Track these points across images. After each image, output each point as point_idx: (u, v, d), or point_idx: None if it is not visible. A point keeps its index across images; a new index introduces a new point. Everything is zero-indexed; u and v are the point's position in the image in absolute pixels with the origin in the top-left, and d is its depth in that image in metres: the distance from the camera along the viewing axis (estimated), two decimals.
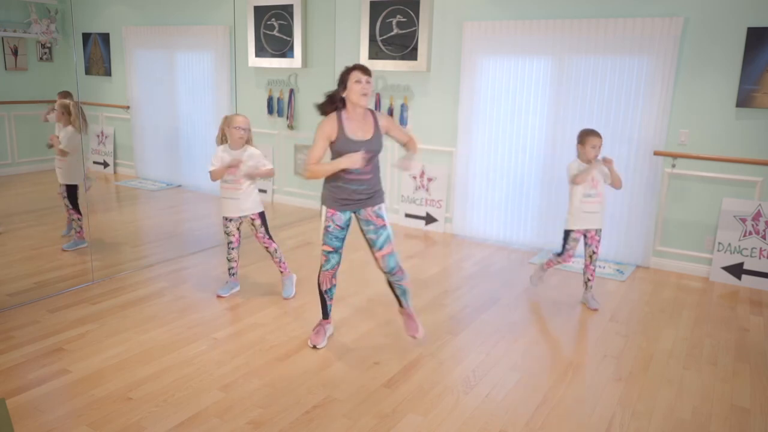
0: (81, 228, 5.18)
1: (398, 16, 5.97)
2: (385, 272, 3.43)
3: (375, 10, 6.07)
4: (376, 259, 3.41)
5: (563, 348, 3.69)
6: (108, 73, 6.90)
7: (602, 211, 4.22)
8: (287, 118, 6.92)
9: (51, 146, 5.05)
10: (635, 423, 2.90)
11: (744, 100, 4.65)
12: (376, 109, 6.30)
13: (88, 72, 6.88)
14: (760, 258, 4.78)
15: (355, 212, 3.38)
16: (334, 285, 3.53)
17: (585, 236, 4.25)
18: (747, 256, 4.82)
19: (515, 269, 5.12)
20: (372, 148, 3.29)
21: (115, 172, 7.17)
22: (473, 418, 2.90)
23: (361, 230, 3.42)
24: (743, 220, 4.80)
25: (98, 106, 6.87)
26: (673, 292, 4.67)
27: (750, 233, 4.79)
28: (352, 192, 3.30)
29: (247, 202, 4.17)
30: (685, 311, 4.30)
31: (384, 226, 3.38)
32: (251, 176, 4.13)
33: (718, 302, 4.50)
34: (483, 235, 5.94)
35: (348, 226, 3.41)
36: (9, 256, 5.00)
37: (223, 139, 4.17)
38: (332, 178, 3.31)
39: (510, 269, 5.12)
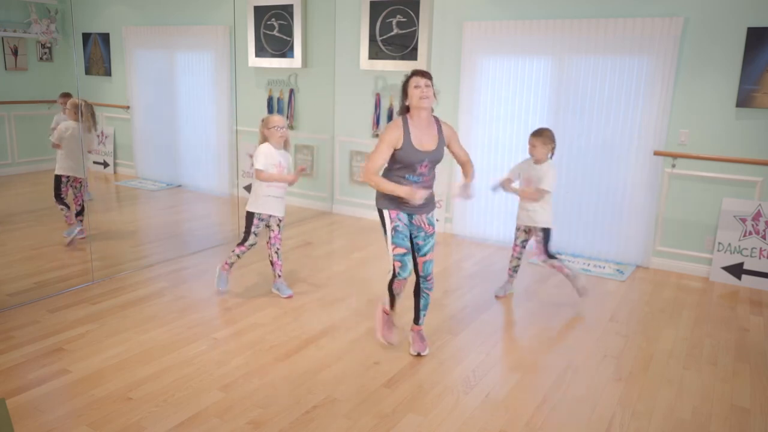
0: (67, 215, 5.30)
1: (398, 16, 5.97)
2: (420, 275, 3.44)
3: (375, 10, 6.07)
4: (416, 263, 3.42)
5: (563, 348, 3.69)
6: (108, 73, 6.90)
7: (536, 211, 4.18)
8: (287, 118, 6.92)
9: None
10: (635, 423, 2.90)
11: (744, 100, 4.65)
12: (376, 109, 6.30)
13: (88, 72, 6.89)
14: (760, 258, 4.78)
15: (409, 216, 3.36)
16: (403, 288, 3.47)
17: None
18: (747, 256, 4.82)
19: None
20: (435, 159, 3.29)
21: (115, 172, 7.17)
22: (473, 418, 2.90)
23: (410, 233, 3.40)
24: (743, 220, 4.80)
25: (98, 106, 6.86)
26: (673, 292, 4.67)
27: (750, 233, 4.79)
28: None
29: (283, 203, 4.27)
30: (685, 311, 4.30)
31: (432, 235, 3.41)
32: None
33: (718, 302, 4.50)
34: (483, 235, 5.94)
35: (411, 229, 3.38)
36: (9, 256, 5.00)
37: (265, 139, 4.16)
38: (392, 182, 3.27)
39: None
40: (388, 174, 3.33)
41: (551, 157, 4.19)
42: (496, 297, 4.44)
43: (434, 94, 3.24)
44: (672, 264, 5.15)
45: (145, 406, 2.90)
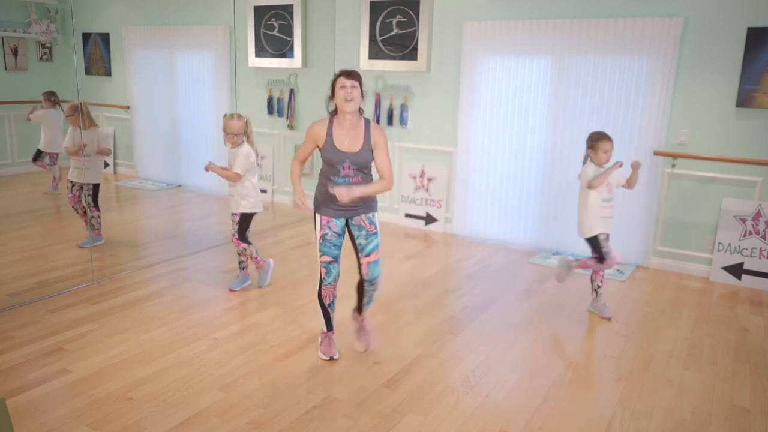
0: (100, 225, 5.29)
1: (398, 16, 5.97)
2: (365, 279, 3.35)
3: (375, 10, 6.07)
4: (360, 264, 3.34)
5: (563, 348, 3.69)
6: (108, 73, 6.90)
7: (615, 216, 4.06)
8: (287, 118, 6.92)
9: (74, 152, 5.13)
10: (635, 423, 2.90)
11: (744, 100, 4.65)
12: (376, 109, 6.30)
13: (88, 72, 6.89)
14: (760, 258, 4.78)
15: (348, 219, 3.31)
16: (336, 296, 3.43)
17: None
18: (747, 256, 4.82)
19: (515, 269, 5.12)
20: (358, 161, 3.19)
21: (115, 172, 7.17)
22: (473, 418, 2.90)
23: (350, 235, 3.35)
24: (743, 220, 4.80)
25: (98, 106, 6.87)
26: (673, 292, 4.67)
27: (750, 233, 4.79)
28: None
29: (235, 200, 4.34)
30: (685, 311, 4.30)
31: (375, 234, 3.32)
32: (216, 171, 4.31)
33: (718, 302, 4.50)
34: (483, 235, 5.94)
35: (344, 233, 3.33)
36: (9, 256, 5.00)
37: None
38: (324, 185, 3.26)
39: (510, 269, 5.12)
40: (321, 175, 3.31)
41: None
42: (607, 318, 4.10)
43: (362, 94, 3.18)
44: (672, 264, 5.15)
45: (145, 406, 2.90)
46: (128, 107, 7.03)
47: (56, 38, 5.54)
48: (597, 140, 3.91)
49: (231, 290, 4.39)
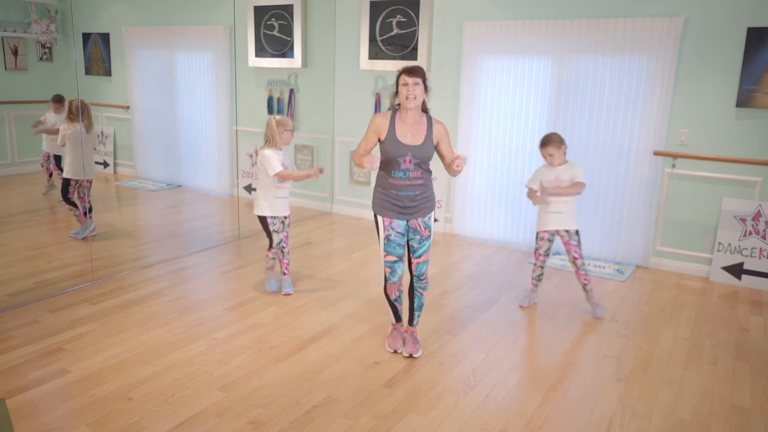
0: (77, 214, 5.37)
1: (398, 16, 5.97)
2: (413, 275, 3.45)
3: (375, 10, 6.07)
4: (410, 263, 3.43)
5: (563, 348, 3.69)
6: (108, 73, 6.90)
7: (569, 212, 4.04)
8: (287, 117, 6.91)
9: (36, 126, 5.24)
10: (635, 423, 2.90)
11: (744, 100, 4.65)
12: (376, 109, 6.30)
13: (88, 72, 6.88)
14: (760, 258, 4.78)
15: (406, 219, 3.34)
16: (401, 291, 3.49)
17: (561, 239, 4.11)
18: (747, 256, 4.82)
19: (515, 269, 5.12)
20: (420, 155, 3.22)
21: (115, 172, 7.17)
22: (473, 418, 2.90)
23: (405, 236, 3.40)
24: (743, 220, 4.80)
25: (98, 106, 6.86)
26: (673, 292, 4.67)
27: (750, 233, 4.79)
28: (405, 199, 3.27)
29: (287, 201, 4.32)
30: (685, 311, 4.30)
31: (429, 237, 3.38)
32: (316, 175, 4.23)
33: (718, 302, 4.50)
34: (483, 235, 5.94)
35: (407, 232, 3.36)
36: (9, 256, 5.00)
37: (271, 140, 4.15)
38: (384, 186, 3.29)
39: (510, 269, 5.12)
40: (381, 173, 3.33)
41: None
42: (521, 307, 4.28)
43: (426, 90, 3.21)
44: (672, 264, 5.15)
45: (145, 406, 2.90)
46: (128, 107, 7.03)
47: (56, 38, 5.54)
48: (542, 142, 4.04)
49: (287, 294, 4.37)
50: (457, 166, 3.19)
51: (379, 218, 3.34)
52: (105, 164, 7.02)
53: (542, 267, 4.24)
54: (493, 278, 4.86)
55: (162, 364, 3.32)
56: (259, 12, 6.76)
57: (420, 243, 3.38)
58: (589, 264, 5.22)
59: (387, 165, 3.27)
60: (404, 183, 3.25)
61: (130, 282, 4.53)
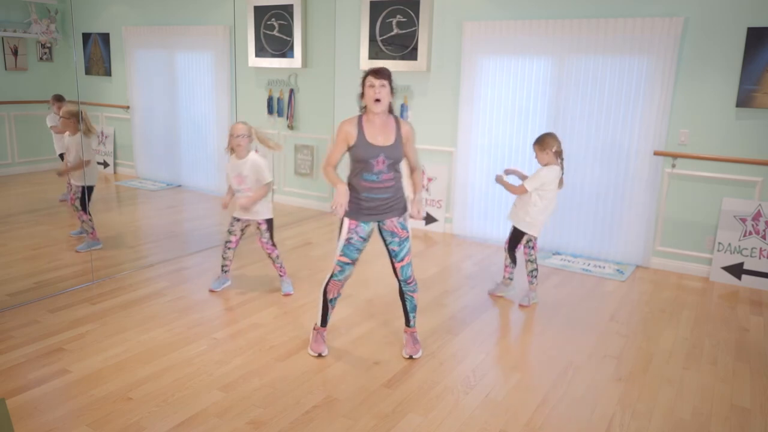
0: (93, 229, 5.17)
1: (398, 16, 5.97)
2: (400, 279, 3.41)
3: (375, 10, 6.07)
4: (394, 268, 3.40)
5: (563, 348, 3.69)
6: (108, 73, 6.91)
7: (515, 209, 4.28)
8: (287, 118, 6.92)
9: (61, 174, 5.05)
10: (635, 423, 2.90)
11: (744, 100, 4.65)
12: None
13: (88, 72, 6.89)
14: (760, 258, 4.78)
15: (378, 222, 3.31)
16: (340, 294, 3.47)
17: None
18: (747, 256, 4.82)
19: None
20: (392, 155, 3.21)
21: (115, 172, 7.17)
22: (473, 418, 2.90)
23: (383, 240, 3.36)
24: (743, 220, 4.80)
25: (98, 106, 6.87)
26: (673, 292, 4.67)
27: (750, 233, 4.79)
28: (376, 201, 3.24)
29: (257, 206, 4.19)
30: (685, 311, 4.30)
31: (407, 238, 3.34)
32: (246, 207, 4.16)
33: (718, 302, 4.50)
34: (483, 235, 5.94)
35: (370, 237, 3.33)
36: (9, 256, 5.00)
37: (231, 149, 4.17)
38: (354, 189, 3.25)
39: None
40: (352, 178, 3.27)
41: (560, 160, 4.13)
42: (521, 307, 4.29)
43: (391, 92, 3.17)
44: (672, 264, 5.15)
45: (145, 406, 2.90)
46: (128, 107, 7.04)
47: (56, 38, 5.54)
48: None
49: (211, 291, 4.37)
50: (417, 212, 3.33)
51: (345, 220, 3.28)
52: (105, 164, 7.03)
53: (531, 262, 4.32)
54: (493, 278, 4.86)
55: (162, 364, 3.32)
56: (259, 12, 6.76)
57: (400, 245, 3.32)
58: (588, 264, 5.23)
59: (358, 168, 3.22)
60: (376, 186, 3.21)
61: (130, 282, 4.53)
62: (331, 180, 3.25)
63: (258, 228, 4.27)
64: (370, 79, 3.13)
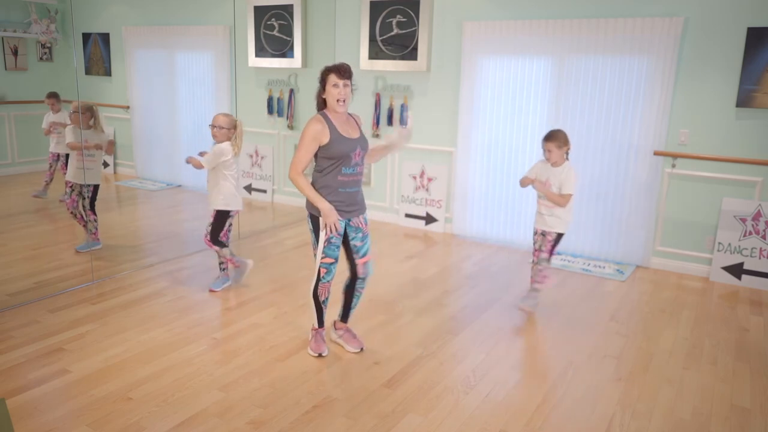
0: (96, 229, 5.16)
1: (398, 16, 5.97)
2: (360, 277, 3.43)
3: (375, 10, 6.07)
4: (356, 264, 3.39)
5: (563, 348, 3.69)
6: (108, 73, 6.91)
7: (553, 216, 4.05)
8: (287, 118, 6.92)
9: (76, 146, 5.00)
10: (635, 423, 2.90)
11: (744, 100, 4.65)
12: (376, 109, 6.31)
13: (88, 72, 6.89)
14: (760, 258, 4.77)
15: (347, 219, 3.31)
16: (330, 293, 3.47)
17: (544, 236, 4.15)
18: (747, 256, 4.82)
19: (515, 269, 5.12)
20: (364, 146, 3.27)
21: (115, 172, 7.18)
22: (473, 418, 2.90)
23: (346, 236, 3.34)
24: (743, 220, 4.80)
25: (98, 106, 6.86)
26: (673, 292, 4.67)
27: (750, 233, 4.79)
28: (350, 195, 3.25)
29: (210, 196, 4.28)
30: (685, 311, 4.30)
31: (368, 234, 3.39)
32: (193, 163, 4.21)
33: (718, 302, 4.50)
34: (483, 235, 5.94)
35: (347, 231, 3.35)
36: (9, 256, 5.00)
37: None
38: (329, 186, 3.20)
39: (510, 269, 5.12)
40: (323, 177, 3.22)
41: (567, 158, 4.07)
42: (520, 309, 4.20)
43: (351, 91, 3.18)
44: (672, 264, 5.15)
45: (145, 406, 2.90)
46: (128, 107, 7.04)
47: (56, 38, 5.54)
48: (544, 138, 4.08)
49: (212, 291, 4.37)
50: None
51: (322, 221, 3.23)
52: (105, 164, 7.03)
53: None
54: (493, 278, 4.86)
55: (162, 364, 3.32)
56: (259, 12, 6.76)
57: (363, 241, 3.35)
58: (588, 264, 5.23)
59: (334, 165, 3.18)
60: (352, 179, 3.23)
61: (130, 282, 4.53)
62: (312, 197, 3.18)
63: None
64: (334, 79, 3.10)
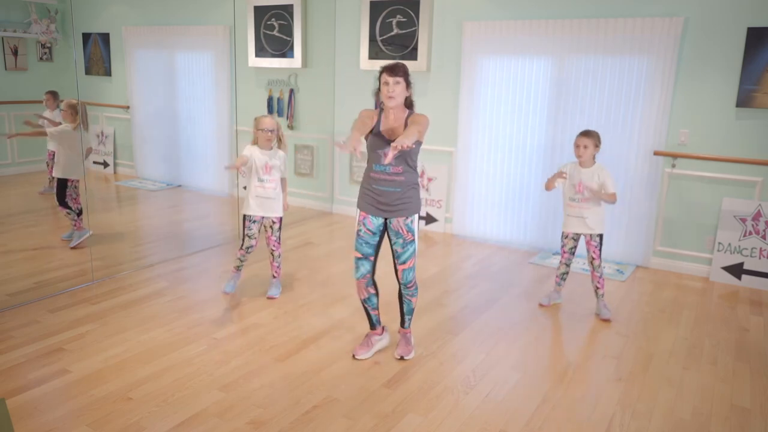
0: (75, 219, 5.18)
1: (398, 16, 5.97)
2: (401, 283, 3.41)
3: (375, 10, 6.07)
4: (396, 270, 3.39)
5: (563, 348, 3.69)
6: (108, 73, 6.90)
7: (592, 217, 4.06)
8: (287, 118, 6.92)
9: (28, 123, 5.06)
10: (635, 423, 2.90)
11: (744, 100, 4.65)
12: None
13: (88, 72, 6.89)
14: (760, 258, 4.78)
15: (386, 220, 3.31)
16: (372, 294, 3.44)
17: (583, 241, 4.19)
18: (747, 256, 4.82)
19: (515, 269, 5.12)
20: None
21: (115, 172, 7.17)
22: (473, 418, 2.90)
23: (389, 239, 3.35)
24: (743, 220, 4.80)
25: (98, 106, 6.87)
26: (673, 292, 4.67)
27: (750, 233, 4.79)
28: (384, 194, 3.23)
29: (277, 202, 4.20)
30: (685, 311, 4.30)
31: (413, 241, 3.32)
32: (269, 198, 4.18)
33: (718, 302, 4.50)
34: (483, 235, 5.94)
35: (380, 232, 3.32)
36: (9, 256, 5.00)
37: (255, 140, 4.18)
38: (365, 180, 3.30)
39: (510, 269, 5.12)
40: (365, 170, 3.33)
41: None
42: (541, 305, 4.29)
43: (408, 87, 3.19)
44: (672, 264, 5.15)
45: (145, 406, 2.90)
46: (128, 107, 7.03)
47: (56, 38, 5.54)
48: (578, 135, 4.10)
49: (226, 293, 4.33)
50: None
51: (357, 211, 3.34)
52: (105, 164, 7.03)
53: (567, 265, 4.26)
54: (493, 278, 4.86)
55: (162, 364, 3.32)
56: (259, 12, 6.76)
57: (404, 248, 3.31)
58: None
59: (371, 159, 3.28)
60: (384, 177, 3.22)
61: (130, 282, 4.53)
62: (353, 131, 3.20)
63: (271, 226, 4.25)
64: (385, 77, 3.18)
